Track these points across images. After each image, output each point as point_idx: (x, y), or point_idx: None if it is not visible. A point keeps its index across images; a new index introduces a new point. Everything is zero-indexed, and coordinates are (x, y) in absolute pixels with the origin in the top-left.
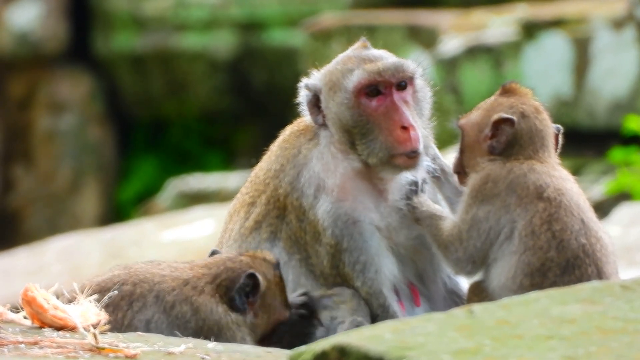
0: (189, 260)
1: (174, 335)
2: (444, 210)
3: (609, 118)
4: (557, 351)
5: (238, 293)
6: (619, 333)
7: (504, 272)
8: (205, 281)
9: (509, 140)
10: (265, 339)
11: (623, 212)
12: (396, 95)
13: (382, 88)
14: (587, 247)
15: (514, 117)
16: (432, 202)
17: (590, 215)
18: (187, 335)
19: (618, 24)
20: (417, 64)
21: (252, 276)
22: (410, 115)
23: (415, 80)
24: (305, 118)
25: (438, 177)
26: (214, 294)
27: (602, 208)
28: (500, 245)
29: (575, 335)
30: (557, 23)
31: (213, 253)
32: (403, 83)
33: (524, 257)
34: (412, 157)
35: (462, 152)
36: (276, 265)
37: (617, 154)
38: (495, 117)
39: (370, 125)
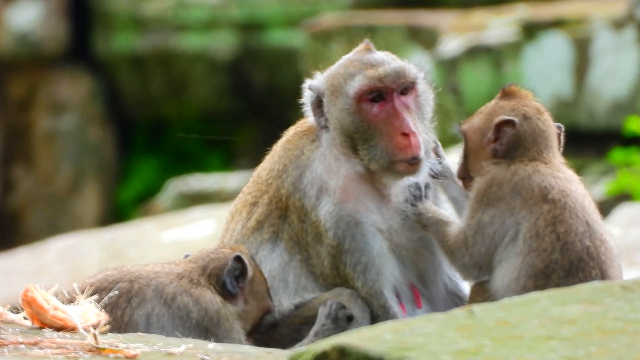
0: (171, 261)
1: (176, 327)
2: (449, 216)
3: (609, 118)
4: (557, 352)
5: (228, 276)
6: (619, 333)
7: (507, 274)
8: (197, 274)
9: (512, 142)
10: (254, 332)
11: (623, 213)
12: (397, 101)
13: (383, 94)
14: (591, 249)
15: (515, 119)
16: (437, 204)
17: (595, 217)
18: (189, 327)
19: (618, 24)
20: (419, 68)
21: (238, 259)
22: (411, 121)
23: (418, 84)
24: (309, 119)
25: (445, 177)
26: (209, 286)
27: (602, 209)
28: (505, 248)
29: (576, 336)
30: (557, 23)
31: (186, 257)
32: (405, 88)
33: (528, 259)
34: (413, 164)
35: (465, 157)
36: (252, 258)
37: (618, 154)
38: (497, 120)
39: (371, 131)
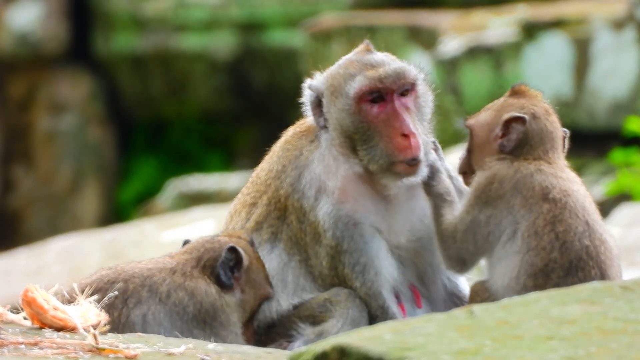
0: (167, 253)
1: (173, 322)
2: (451, 193)
3: (609, 119)
4: (557, 352)
5: (222, 268)
6: (619, 334)
7: (507, 273)
8: (191, 266)
9: (520, 139)
10: (252, 319)
11: (623, 213)
12: (397, 102)
13: (383, 95)
14: (591, 249)
15: (526, 116)
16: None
17: (595, 217)
18: (186, 321)
19: (618, 24)
20: (419, 69)
21: (233, 250)
22: (411, 122)
23: (418, 85)
24: (308, 119)
25: None
26: (203, 277)
27: (602, 209)
28: (503, 246)
29: (576, 336)
30: (557, 24)
31: (186, 243)
32: (405, 89)
33: (527, 257)
34: (412, 165)
35: (470, 152)
36: (251, 243)
37: (618, 154)
38: (507, 115)
39: (371, 131)
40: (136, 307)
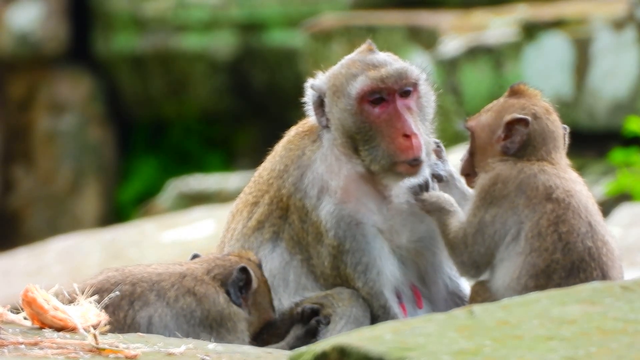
0: (176, 262)
1: (179, 325)
2: (453, 204)
3: (609, 119)
4: (557, 352)
5: (232, 287)
6: (619, 334)
7: (508, 273)
8: (201, 272)
9: (523, 141)
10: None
11: (623, 213)
12: (399, 102)
13: (385, 95)
14: (593, 250)
15: (528, 118)
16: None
17: (598, 218)
18: (193, 325)
19: (618, 24)
20: (421, 70)
21: (244, 270)
22: (413, 123)
23: (419, 86)
24: (311, 118)
25: (446, 181)
26: (213, 284)
27: (603, 209)
28: (506, 247)
29: (576, 336)
30: (557, 24)
31: (194, 257)
32: (407, 89)
33: (530, 258)
34: (414, 165)
35: (472, 154)
36: (259, 266)
37: (618, 154)
38: (509, 117)
39: (372, 132)
40: (142, 309)
